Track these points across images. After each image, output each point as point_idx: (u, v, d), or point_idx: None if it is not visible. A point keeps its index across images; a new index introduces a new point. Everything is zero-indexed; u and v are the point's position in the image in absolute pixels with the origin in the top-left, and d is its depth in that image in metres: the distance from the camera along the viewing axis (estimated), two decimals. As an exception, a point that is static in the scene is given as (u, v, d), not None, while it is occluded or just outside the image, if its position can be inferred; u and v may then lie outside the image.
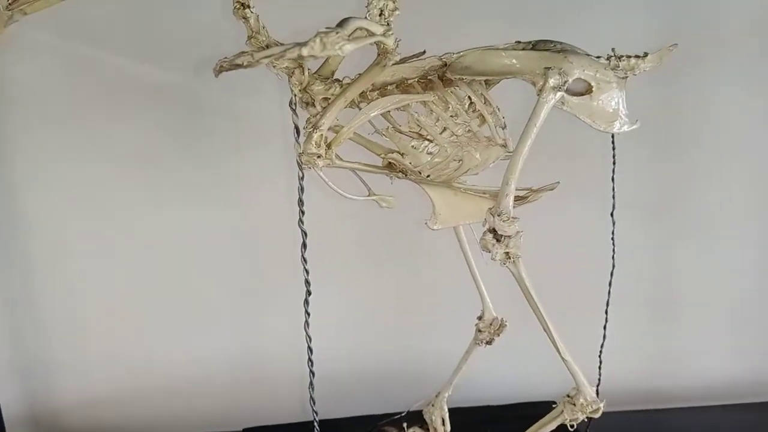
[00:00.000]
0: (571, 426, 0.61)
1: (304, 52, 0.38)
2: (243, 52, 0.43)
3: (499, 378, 0.88)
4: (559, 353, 0.58)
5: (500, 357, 0.77)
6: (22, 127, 0.81)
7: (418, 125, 0.56)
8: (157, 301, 0.88)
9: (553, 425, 0.62)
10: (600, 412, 0.60)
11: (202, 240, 0.86)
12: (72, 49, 0.79)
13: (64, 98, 0.80)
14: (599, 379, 0.69)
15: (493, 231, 0.53)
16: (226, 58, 0.44)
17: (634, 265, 0.76)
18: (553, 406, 0.62)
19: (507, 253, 0.54)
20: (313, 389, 0.62)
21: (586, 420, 0.61)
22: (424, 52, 0.57)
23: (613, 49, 0.57)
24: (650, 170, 0.89)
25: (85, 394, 0.91)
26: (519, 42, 0.56)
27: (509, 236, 0.53)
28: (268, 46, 0.54)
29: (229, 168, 0.85)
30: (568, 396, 0.61)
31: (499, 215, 0.52)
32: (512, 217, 0.52)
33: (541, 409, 0.83)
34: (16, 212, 0.83)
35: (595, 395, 0.60)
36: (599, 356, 0.70)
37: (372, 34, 0.46)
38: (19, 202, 0.83)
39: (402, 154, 0.58)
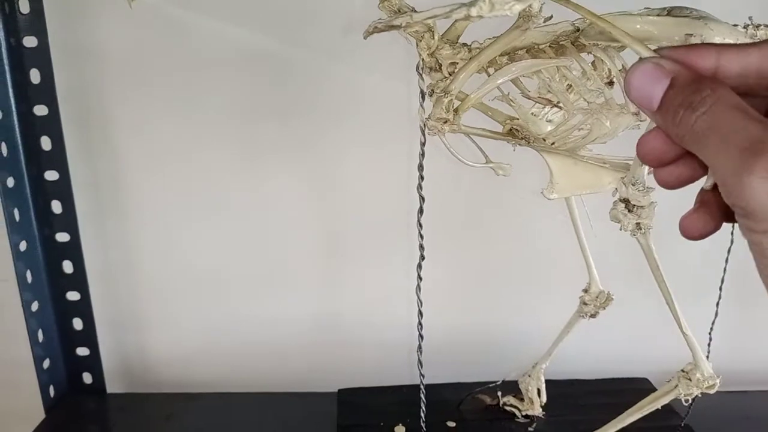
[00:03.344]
0: (686, 401, 0.60)
1: (473, 12, 0.38)
2: (400, 14, 0.43)
3: (592, 352, 0.87)
4: (681, 328, 0.58)
5: (594, 331, 0.76)
6: (120, 89, 0.82)
7: (549, 91, 0.55)
8: (252, 260, 0.90)
9: (666, 399, 0.61)
10: (716, 388, 0.60)
11: (296, 201, 0.87)
12: (171, 11, 0.80)
13: (162, 60, 0.82)
14: (707, 356, 0.68)
15: (626, 201, 0.53)
16: (380, 19, 0.43)
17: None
18: (667, 381, 0.61)
19: (638, 224, 0.53)
20: (421, 352, 0.63)
21: (699, 395, 0.61)
22: (552, 16, 0.56)
23: (750, 18, 0.55)
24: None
25: (176, 350, 0.94)
26: (651, 8, 0.55)
27: (642, 207, 0.52)
28: (399, 10, 0.53)
29: (323, 133, 0.85)
30: (683, 371, 0.60)
31: (633, 184, 0.52)
32: (647, 187, 0.52)
33: (635, 384, 0.84)
34: (114, 171, 0.86)
35: (711, 371, 0.59)
36: (709, 333, 0.69)
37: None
38: (118, 161, 0.85)
39: (524, 121, 0.58)
